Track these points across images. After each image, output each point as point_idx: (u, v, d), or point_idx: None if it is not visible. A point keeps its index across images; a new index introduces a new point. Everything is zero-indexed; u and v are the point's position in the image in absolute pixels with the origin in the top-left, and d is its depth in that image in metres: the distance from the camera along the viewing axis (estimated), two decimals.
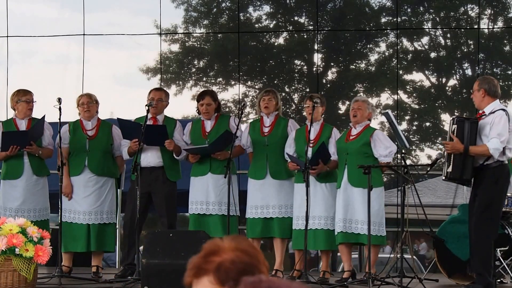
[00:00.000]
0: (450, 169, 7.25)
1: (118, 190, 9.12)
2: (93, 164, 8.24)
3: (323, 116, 8.37)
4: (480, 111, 7.33)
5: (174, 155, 8.23)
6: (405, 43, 22.77)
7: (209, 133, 8.29)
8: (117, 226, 10.30)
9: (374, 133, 7.97)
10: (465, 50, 22.69)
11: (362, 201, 7.78)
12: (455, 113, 22.44)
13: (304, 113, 8.60)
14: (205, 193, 8.19)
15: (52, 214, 8.66)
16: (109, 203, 8.30)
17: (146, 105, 8.12)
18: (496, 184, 7.15)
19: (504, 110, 7.21)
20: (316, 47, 22.01)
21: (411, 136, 23.34)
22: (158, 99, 8.29)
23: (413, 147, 23.60)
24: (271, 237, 8.35)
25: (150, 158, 8.12)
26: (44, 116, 8.25)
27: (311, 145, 8.04)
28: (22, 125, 8.25)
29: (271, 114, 8.35)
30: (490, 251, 7.13)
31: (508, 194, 7.95)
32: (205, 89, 8.93)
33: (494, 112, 7.19)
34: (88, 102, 8.35)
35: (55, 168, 8.35)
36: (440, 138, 22.96)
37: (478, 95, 7.30)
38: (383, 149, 7.87)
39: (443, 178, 7.57)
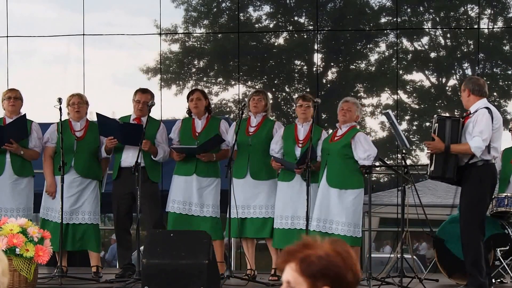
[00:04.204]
0: (432, 168, 7.26)
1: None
2: (79, 165, 8.21)
3: (313, 117, 8.36)
4: (467, 111, 7.34)
5: (151, 156, 8.21)
6: (405, 43, 22.77)
7: (199, 134, 8.30)
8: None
9: (356, 135, 7.95)
10: (465, 50, 22.69)
11: (338, 202, 7.79)
12: (455, 113, 22.45)
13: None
14: (188, 194, 8.19)
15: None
16: (92, 204, 8.26)
17: (147, 105, 8.13)
18: (481, 183, 7.14)
19: (487, 108, 7.20)
20: (316, 47, 22.00)
21: (411, 136, 23.34)
22: (144, 101, 8.27)
23: (413, 147, 23.60)
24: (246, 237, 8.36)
25: (132, 158, 8.05)
26: (25, 115, 8.23)
27: (300, 145, 8.06)
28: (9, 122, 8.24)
29: (258, 115, 8.36)
30: (479, 252, 7.12)
31: (508, 194, 7.96)
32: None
33: (477, 110, 7.19)
34: (79, 103, 8.34)
35: (40, 168, 8.34)
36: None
37: (464, 96, 7.34)
38: (362, 152, 7.85)
39: (427, 176, 7.59)
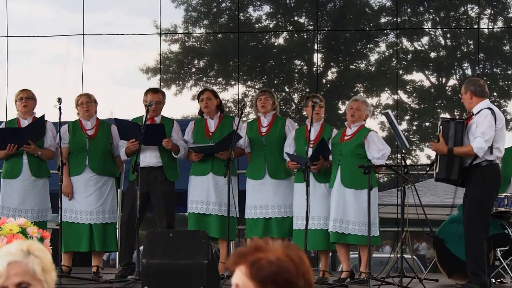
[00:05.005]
0: (437, 170, 7.27)
1: (118, 190, 9.10)
2: (93, 163, 8.23)
3: (324, 116, 8.38)
4: (470, 113, 7.34)
5: (173, 154, 8.22)
6: (405, 43, 22.79)
7: (213, 133, 8.28)
8: (117, 226, 10.31)
9: (368, 134, 7.94)
10: (465, 50, 22.70)
11: (354, 202, 7.78)
12: (455, 113, 22.45)
13: (305, 113, 8.59)
14: (206, 193, 8.18)
15: (53, 214, 8.64)
16: (111, 203, 8.29)
17: (146, 105, 8.12)
18: (485, 184, 7.14)
19: (490, 109, 7.20)
20: (316, 47, 22.01)
21: (411, 136, 23.35)
22: (157, 101, 8.27)
23: (413, 147, 23.61)
24: (271, 237, 8.36)
25: (149, 158, 8.09)
26: (44, 115, 8.24)
27: (311, 145, 8.03)
28: (25, 125, 8.24)
29: (268, 114, 8.33)
30: (482, 251, 7.12)
31: (508, 194, 7.96)
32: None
33: (479, 111, 7.20)
34: (87, 102, 8.35)
35: (55, 168, 8.35)
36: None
37: (466, 98, 7.33)
38: (376, 152, 7.83)
39: (426, 176, 7.62)
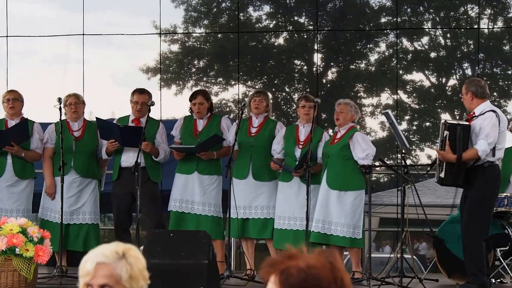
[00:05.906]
0: (442, 175, 7.26)
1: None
2: (78, 165, 8.20)
3: (314, 117, 8.37)
4: (471, 113, 7.34)
5: (153, 157, 8.21)
6: (405, 43, 22.78)
7: (200, 133, 8.30)
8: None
9: (353, 135, 7.94)
10: (465, 50, 22.69)
11: (337, 204, 7.79)
12: (455, 113, 22.44)
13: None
14: (190, 192, 8.19)
15: (33, 213, 8.60)
16: (92, 204, 8.25)
17: (147, 105, 8.12)
18: (486, 184, 7.15)
19: (494, 111, 7.21)
20: (316, 47, 22.00)
21: (411, 136, 23.34)
22: (143, 102, 8.26)
23: (413, 147, 23.60)
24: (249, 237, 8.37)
25: (132, 158, 8.03)
26: (27, 119, 8.24)
27: (300, 146, 8.05)
28: (12, 125, 8.23)
29: (260, 115, 8.35)
30: (481, 251, 7.13)
31: (508, 194, 7.96)
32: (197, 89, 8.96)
33: (484, 113, 7.19)
34: (76, 103, 8.31)
35: (39, 168, 8.34)
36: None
37: (466, 99, 7.33)
38: (360, 152, 7.83)
39: (436, 181, 7.60)
